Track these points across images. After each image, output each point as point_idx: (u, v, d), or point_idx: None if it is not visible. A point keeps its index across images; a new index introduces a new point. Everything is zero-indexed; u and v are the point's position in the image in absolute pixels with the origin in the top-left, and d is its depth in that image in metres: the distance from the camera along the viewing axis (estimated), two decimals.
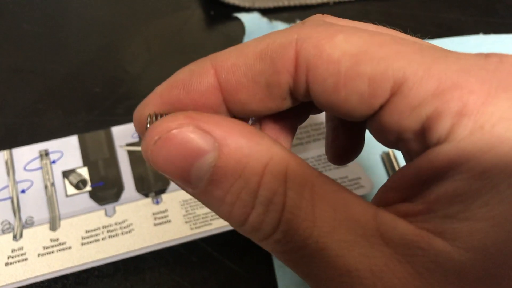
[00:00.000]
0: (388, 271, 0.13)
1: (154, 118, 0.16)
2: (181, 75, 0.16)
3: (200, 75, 0.16)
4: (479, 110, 0.13)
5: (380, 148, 0.35)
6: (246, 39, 0.34)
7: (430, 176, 0.13)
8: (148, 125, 0.15)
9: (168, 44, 0.36)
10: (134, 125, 0.17)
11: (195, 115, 0.14)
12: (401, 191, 0.15)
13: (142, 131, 0.17)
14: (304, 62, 0.14)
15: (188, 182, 0.15)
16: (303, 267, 0.14)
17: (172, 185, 0.32)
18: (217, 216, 0.30)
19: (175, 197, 0.31)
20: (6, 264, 0.28)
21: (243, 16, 0.34)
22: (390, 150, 0.34)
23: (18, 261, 0.28)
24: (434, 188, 0.13)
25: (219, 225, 0.29)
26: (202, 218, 0.30)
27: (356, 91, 0.14)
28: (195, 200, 0.31)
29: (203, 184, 0.14)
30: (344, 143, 0.20)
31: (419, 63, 0.13)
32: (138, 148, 0.32)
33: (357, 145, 0.21)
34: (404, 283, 0.13)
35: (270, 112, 0.16)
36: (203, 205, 0.30)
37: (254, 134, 0.14)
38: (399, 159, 0.34)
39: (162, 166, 0.15)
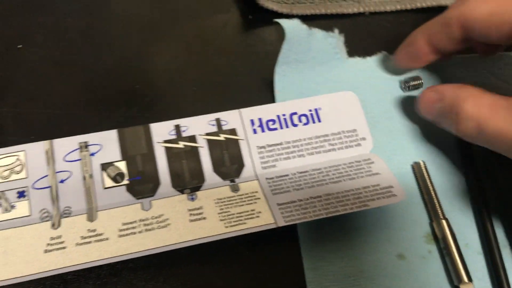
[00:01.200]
0: None
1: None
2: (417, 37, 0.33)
3: (417, 36, 0.33)
4: None
5: (411, 157, 0.35)
6: (285, 44, 0.35)
7: None
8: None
9: (206, 45, 0.37)
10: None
11: (433, 86, 0.32)
12: None
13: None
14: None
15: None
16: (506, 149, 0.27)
17: (207, 182, 0.32)
18: (251, 216, 0.30)
19: (210, 195, 0.31)
20: (45, 251, 0.28)
21: (284, 22, 0.34)
22: (421, 161, 0.34)
23: (57, 249, 0.28)
24: None
25: (253, 224, 0.30)
26: (237, 217, 0.30)
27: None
28: (230, 198, 0.31)
29: (439, 117, 0.31)
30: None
31: None
32: (176, 145, 0.33)
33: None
34: None
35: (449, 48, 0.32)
36: (237, 204, 0.31)
37: (458, 86, 0.30)
38: (430, 169, 0.34)
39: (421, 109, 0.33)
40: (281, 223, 0.30)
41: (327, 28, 0.37)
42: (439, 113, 0.30)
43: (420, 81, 0.36)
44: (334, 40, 0.36)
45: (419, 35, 0.32)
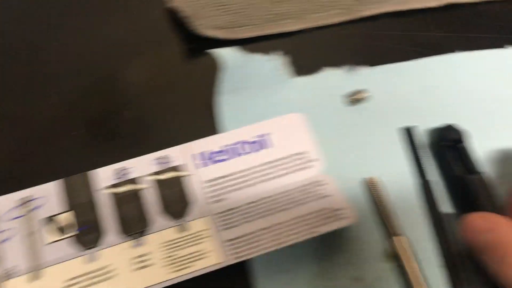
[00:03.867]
0: None
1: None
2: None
3: None
4: None
5: (364, 174, 0.34)
6: (221, 74, 0.34)
7: None
8: None
9: (148, 81, 0.36)
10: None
11: (485, 214, 0.28)
12: None
13: None
14: None
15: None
16: None
17: (155, 225, 0.31)
18: (199, 257, 0.30)
19: (157, 239, 0.31)
20: None
21: (216, 51, 0.34)
22: (373, 177, 0.34)
23: None
24: None
25: (201, 266, 0.29)
26: (184, 259, 0.30)
27: None
28: (178, 240, 0.31)
29: (482, 249, 0.27)
30: None
31: None
32: (120, 190, 0.32)
33: None
34: None
35: None
36: (185, 246, 0.30)
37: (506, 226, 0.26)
38: (385, 182, 0.34)
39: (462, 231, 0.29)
40: (229, 261, 0.30)
41: (274, 49, 0.36)
42: (482, 243, 0.27)
43: (365, 94, 0.36)
44: (274, 63, 0.36)
45: None
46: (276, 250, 0.31)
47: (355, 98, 0.36)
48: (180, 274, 0.29)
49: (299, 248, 0.32)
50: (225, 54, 0.34)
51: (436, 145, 0.34)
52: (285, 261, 0.32)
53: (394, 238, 0.32)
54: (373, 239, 0.32)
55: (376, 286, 0.31)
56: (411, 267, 0.31)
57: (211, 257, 0.30)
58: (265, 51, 0.36)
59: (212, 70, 0.36)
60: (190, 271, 0.29)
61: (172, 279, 0.29)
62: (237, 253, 0.30)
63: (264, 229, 0.31)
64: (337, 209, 0.32)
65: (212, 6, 0.37)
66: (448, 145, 0.33)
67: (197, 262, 0.30)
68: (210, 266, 0.29)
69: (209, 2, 0.37)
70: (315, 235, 0.31)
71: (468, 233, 0.28)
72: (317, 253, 0.32)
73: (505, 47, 0.40)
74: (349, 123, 0.36)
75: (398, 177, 0.34)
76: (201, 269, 0.29)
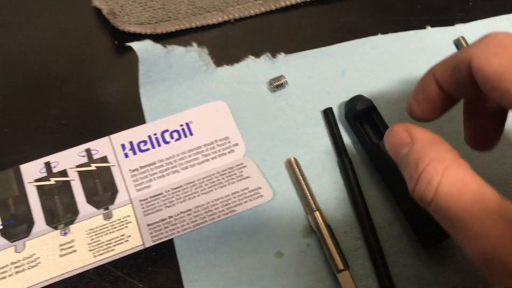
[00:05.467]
0: (500, 235, 0.21)
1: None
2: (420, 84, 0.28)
3: (428, 80, 0.27)
4: None
5: (285, 155, 0.36)
6: (142, 66, 0.36)
7: None
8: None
9: (75, 77, 0.38)
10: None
11: (408, 124, 0.26)
12: None
13: None
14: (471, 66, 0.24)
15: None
16: (450, 228, 0.23)
17: (81, 214, 0.33)
18: (120, 241, 0.31)
19: (83, 227, 0.32)
20: None
21: (135, 45, 0.35)
22: (292, 157, 0.35)
23: None
24: None
25: (121, 249, 0.31)
26: (106, 244, 0.31)
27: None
28: (102, 227, 0.32)
29: (402, 164, 0.25)
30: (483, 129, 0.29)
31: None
32: (47, 183, 0.33)
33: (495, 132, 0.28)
34: (506, 243, 0.20)
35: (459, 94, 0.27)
36: (108, 232, 0.32)
37: (433, 140, 0.25)
38: (303, 163, 0.35)
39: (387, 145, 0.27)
40: (149, 243, 0.31)
41: (187, 44, 0.37)
42: (402, 158, 0.26)
43: (284, 80, 0.37)
44: (195, 54, 0.37)
45: (430, 77, 0.27)
46: (201, 231, 0.33)
47: (276, 85, 0.37)
48: (102, 258, 0.30)
49: (224, 228, 0.33)
50: (140, 48, 0.35)
51: (349, 116, 0.36)
52: (210, 241, 0.33)
53: (313, 213, 0.33)
54: (293, 216, 0.34)
55: (298, 260, 0.32)
56: (329, 240, 0.32)
57: (131, 241, 0.31)
58: (189, 43, 0.37)
59: (136, 63, 0.38)
60: (110, 254, 0.31)
61: (93, 262, 0.30)
62: (156, 236, 0.31)
63: (184, 212, 0.32)
64: (255, 189, 0.33)
65: (135, 3, 0.39)
66: (359, 114, 0.35)
67: (118, 246, 0.31)
68: (130, 249, 0.31)
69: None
70: (232, 214, 0.32)
71: (390, 145, 0.27)
72: (241, 232, 0.33)
73: (426, 28, 0.42)
74: (272, 108, 0.37)
75: (319, 155, 0.36)
76: (121, 252, 0.31)
